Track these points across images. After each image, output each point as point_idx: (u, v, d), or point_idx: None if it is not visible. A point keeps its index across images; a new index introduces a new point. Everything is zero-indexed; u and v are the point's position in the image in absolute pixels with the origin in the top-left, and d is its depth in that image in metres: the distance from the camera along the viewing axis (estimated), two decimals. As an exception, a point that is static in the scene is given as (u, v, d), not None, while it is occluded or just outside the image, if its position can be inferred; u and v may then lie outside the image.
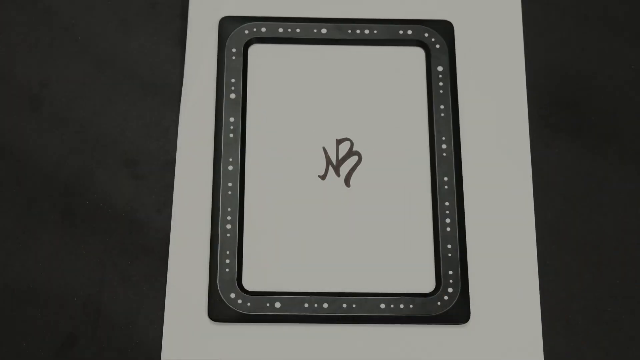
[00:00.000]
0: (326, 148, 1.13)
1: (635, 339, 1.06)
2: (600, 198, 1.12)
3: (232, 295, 1.05)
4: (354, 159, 1.13)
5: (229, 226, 1.08)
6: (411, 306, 1.05)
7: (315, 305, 1.05)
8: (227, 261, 1.06)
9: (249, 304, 1.05)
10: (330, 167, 1.12)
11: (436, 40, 1.18)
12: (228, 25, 1.18)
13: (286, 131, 1.13)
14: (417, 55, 1.18)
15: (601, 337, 1.06)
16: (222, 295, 1.05)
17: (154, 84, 1.16)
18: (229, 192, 1.09)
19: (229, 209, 1.08)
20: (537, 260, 1.08)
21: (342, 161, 1.12)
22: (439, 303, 1.05)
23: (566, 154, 1.14)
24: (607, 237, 1.10)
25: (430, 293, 1.06)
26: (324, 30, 1.18)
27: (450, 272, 1.07)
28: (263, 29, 1.18)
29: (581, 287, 1.08)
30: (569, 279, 1.08)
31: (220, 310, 1.05)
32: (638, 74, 1.18)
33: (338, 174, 1.12)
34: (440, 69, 1.16)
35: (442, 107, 1.14)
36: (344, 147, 1.13)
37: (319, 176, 1.12)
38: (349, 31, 1.18)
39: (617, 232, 1.10)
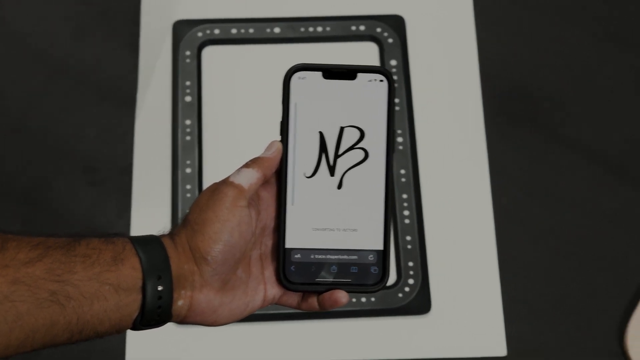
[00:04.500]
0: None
1: (595, 321, 1.07)
2: (556, 184, 1.13)
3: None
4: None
5: (189, 228, 1.08)
6: (373, 299, 1.06)
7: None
8: (189, 263, 1.07)
9: (212, 305, 1.05)
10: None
11: (389, 34, 1.19)
12: (181, 29, 1.18)
13: (243, 132, 1.14)
14: (370, 50, 1.19)
15: (562, 321, 1.07)
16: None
17: (109, 90, 1.16)
18: (188, 195, 1.09)
19: (188, 212, 1.08)
20: (497, 248, 1.09)
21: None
22: (400, 295, 1.06)
23: (521, 142, 1.15)
24: (564, 223, 1.11)
25: (391, 285, 1.07)
26: (277, 30, 1.19)
27: (411, 264, 1.07)
28: (216, 31, 1.18)
29: (541, 273, 1.09)
30: (528, 265, 1.09)
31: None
32: (589, 60, 1.19)
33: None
34: (393, 63, 1.17)
35: (396, 100, 1.15)
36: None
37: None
38: (302, 29, 1.19)
39: (574, 217, 1.11)
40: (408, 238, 1.08)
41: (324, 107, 0.71)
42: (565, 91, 1.18)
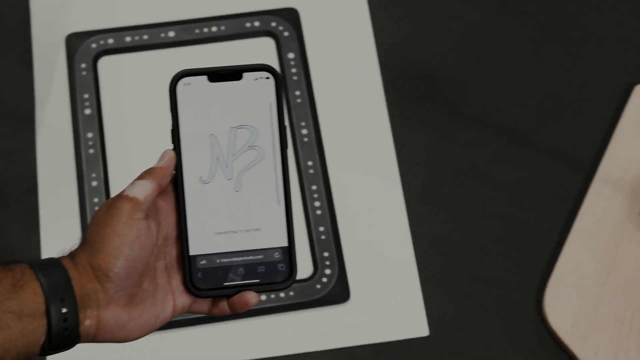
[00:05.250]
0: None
1: (513, 292, 1.08)
2: (463, 159, 1.14)
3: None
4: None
5: (101, 241, 1.07)
6: (291, 293, 1.06)
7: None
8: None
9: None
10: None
11: (284, 28, 1.18)
12: (74, 41, 1.17)
13: (147, 140, 1.13)
14: (267, 45, 1.19)
15: (481, 295, 1.08)
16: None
17: (5, 110, 1.14)
18: (96, 208, 1.08)
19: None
20: (410, 230, 1.10)
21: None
22: (318, 286, 1.07)
23: (425, 122, 1.16)
24: (473, 197, 1.12)
25: (308, 277, 1.07)
26: (171, 34, 1.18)
27: (326, 254, 1.08)
28: (110, 41, 1.17)
29: (455, 250, 1.10)
30: (442, 243, 1.10)
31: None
32: (484, 34, 1.20)
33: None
34: (291, 56, 1.17)
35: (297, 93, 1.15)
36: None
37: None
38: (197, 31, 1.18)
39: (483, 190, 1.13)
40: (321, 229, 1.09)
41: (213, 111, 0.71)
42: (463, 67, 1.19)
